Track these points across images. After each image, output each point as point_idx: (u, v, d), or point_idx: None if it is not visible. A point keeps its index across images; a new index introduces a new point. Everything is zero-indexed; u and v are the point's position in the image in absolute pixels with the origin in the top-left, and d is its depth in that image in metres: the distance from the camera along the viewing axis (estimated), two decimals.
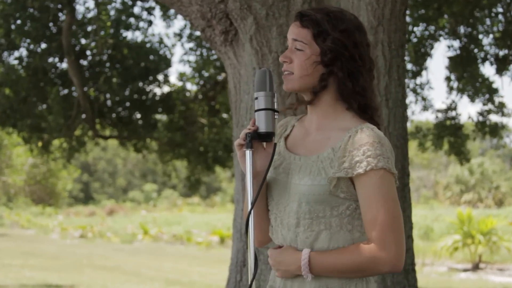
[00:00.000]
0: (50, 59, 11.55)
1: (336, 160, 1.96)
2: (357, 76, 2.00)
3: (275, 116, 2.01)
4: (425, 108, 11.53)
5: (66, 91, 11.85)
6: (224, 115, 12.89)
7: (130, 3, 11.69)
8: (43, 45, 11.30)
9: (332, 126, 2.03)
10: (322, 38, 2.00)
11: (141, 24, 12.01)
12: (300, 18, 2.03)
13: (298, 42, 2.02)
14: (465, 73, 10.55)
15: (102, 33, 11.49)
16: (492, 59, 10.47)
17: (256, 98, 2.02)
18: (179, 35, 12.14)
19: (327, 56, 1.99)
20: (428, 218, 23.88)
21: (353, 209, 1.97)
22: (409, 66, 10.82)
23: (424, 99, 11.49)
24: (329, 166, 1.97)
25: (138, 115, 12.58)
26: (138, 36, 13.48)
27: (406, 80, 10.85)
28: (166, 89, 15.93)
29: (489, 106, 10.94)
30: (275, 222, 2.08)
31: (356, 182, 1.94)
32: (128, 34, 17.87)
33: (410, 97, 11.51)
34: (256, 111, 2.02)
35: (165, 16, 11.82)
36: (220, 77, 12.31)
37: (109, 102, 12.33)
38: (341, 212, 1.96)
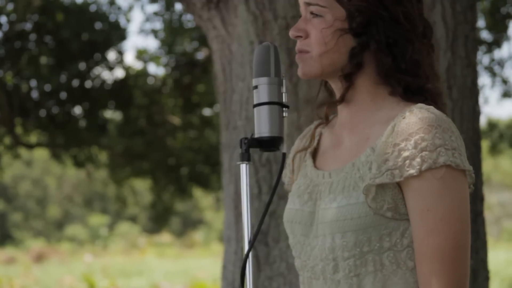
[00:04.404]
0: None
1: (376, 161, 1.96)
2: (403, 46, 2.02)
3: (284, 114, 2.04)
4: (506, 95, 11.54)
5: None
6: (206, 112, 12.89)
7: None
8: None
9: (372, 121, 2.06)
10: None
11: None
12: None
13: (313, 6, 2.05)
14: None
15: None
16: None
17: (256, 87, 2.05)
18: None
19: (356, 20, 2.02)
20: None
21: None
22: (483, 34, 10.82)
23: (505, 81, 11.49)
24: (369, 172, 1.98)
25: (79, 112, 12.59)
26: None
27: (479, 54, 10.85)
28: (119, 73, 15.94)
29: None
30: (305, 273, 2.10)
31: (405, 189, 1.94)
32: None
33: (483, 78, 11.51)
34: (255, 106, 2.05)
35: None
36: (200, 56, 12.32)
37: (35, 93, 12.33)
38: (396, 243, 1.96)
